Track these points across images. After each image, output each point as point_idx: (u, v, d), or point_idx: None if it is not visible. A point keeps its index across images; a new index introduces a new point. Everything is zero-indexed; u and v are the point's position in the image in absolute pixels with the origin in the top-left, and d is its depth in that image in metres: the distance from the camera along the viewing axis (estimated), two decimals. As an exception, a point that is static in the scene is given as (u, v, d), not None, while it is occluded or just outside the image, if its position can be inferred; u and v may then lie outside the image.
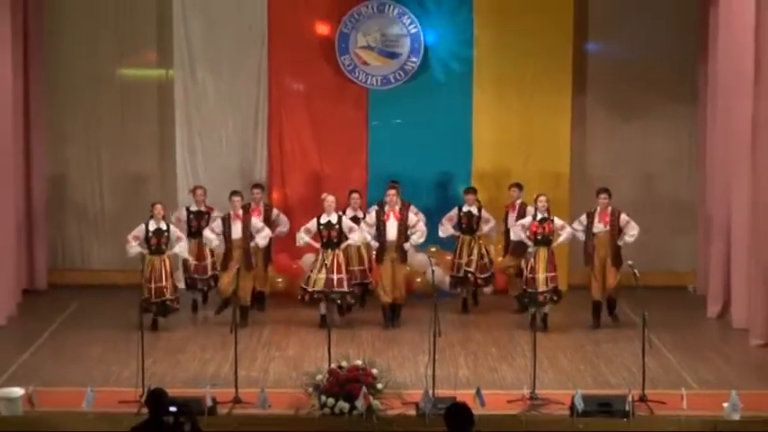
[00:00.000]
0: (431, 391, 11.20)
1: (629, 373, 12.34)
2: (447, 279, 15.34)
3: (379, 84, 16.38)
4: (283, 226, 15.31)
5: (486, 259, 15.08)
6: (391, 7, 16.25)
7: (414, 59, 16.31)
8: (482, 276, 15.08)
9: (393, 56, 16.36)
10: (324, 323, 13.76)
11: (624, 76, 16.57)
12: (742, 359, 13.14)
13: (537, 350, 11.75)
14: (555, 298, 14.19)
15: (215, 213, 14.94)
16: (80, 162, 16.85)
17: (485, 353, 13.43)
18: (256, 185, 15.29)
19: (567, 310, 14.38)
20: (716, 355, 13.31)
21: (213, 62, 16.36)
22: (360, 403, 10.98)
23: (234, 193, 14.65)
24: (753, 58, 13.54)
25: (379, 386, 11.25)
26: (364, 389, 11.04)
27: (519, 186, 15.12)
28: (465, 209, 15.07)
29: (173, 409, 8.64)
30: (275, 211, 15.38)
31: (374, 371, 11.39)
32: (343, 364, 11.45)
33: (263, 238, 14.53)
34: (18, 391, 11.22)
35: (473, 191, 15.19)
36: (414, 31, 16.27)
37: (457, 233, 15.06)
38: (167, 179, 16.58)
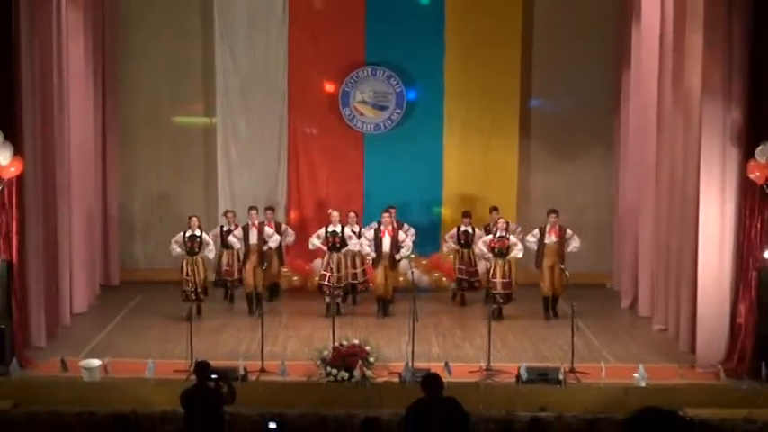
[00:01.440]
0: (410, 364, 11.27)
1: (561, 351, 12.37)
2: (423, 278, 15.35)
3: (372, 130, 16.42)
4: (290, 237, 15.28)
5: (474, 268, 14.95)
6: (381, 71, 16.28)
7: (399, 111, 16.34)
8: (473, 282, 14.96)
9: (383, 108, 16.37)
10: (328, 311, 13.78)
11: (559, 125, 16.56)
12: (647, 340, 13.19)
13: (492, 333, 11.85)
14: (504, 300, 14.10)
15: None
16: (144, 188, 16.82)
17: (452, 334, 13.47)
18: (268, 208, 15.23)
19: (515, 303, 14.34)
20: (627, 337, 13.37)
21: (246, 112, 16.35)
22: (356, 373, 11.04)
23: (251, 208, 14.74)
24: (656, 114, 13.65)
25: (372, 360, 11.30)
26: (360, 362, 11.11)
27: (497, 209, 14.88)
28: (462, 228, 14.88)
29: (214, 376, 8.72)
30: (283, 225, 15.35)
31: (367, 348, 11.43)
32: (344, 342, 11.51)
33: (273, 241, 14.57)
34: (96, 362, 11.31)
35: (469, 214, 14.95)
36: (399, 89, 16.30)
37: (457, 247, 14.93)
38: (210, 200, 16.52)
